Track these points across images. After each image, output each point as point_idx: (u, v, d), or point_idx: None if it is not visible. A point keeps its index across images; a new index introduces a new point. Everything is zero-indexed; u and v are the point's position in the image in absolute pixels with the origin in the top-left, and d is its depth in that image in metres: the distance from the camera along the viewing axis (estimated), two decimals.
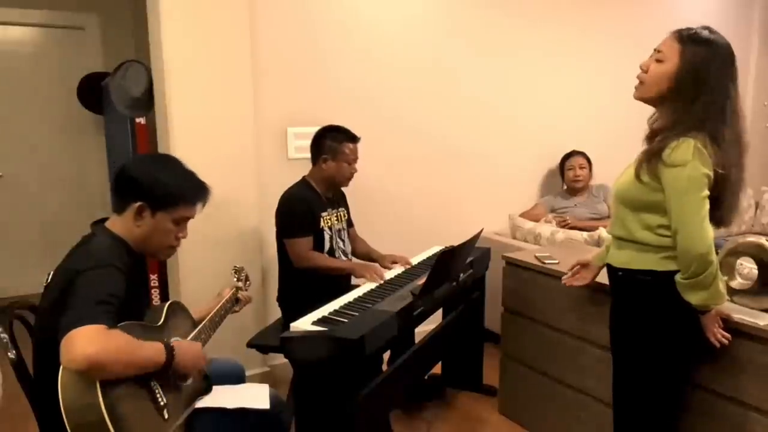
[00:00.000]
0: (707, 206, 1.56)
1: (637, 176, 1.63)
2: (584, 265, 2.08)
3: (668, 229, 1.62)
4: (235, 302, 2.00)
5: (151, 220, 1.57)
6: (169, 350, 1.44)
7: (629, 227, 1.70)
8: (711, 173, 1.55)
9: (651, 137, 1.67)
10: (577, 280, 2.09)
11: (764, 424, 1.73)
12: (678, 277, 1.61)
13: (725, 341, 1.67)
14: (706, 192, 1.56)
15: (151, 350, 1.40)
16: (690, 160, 1.53)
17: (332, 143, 2.54)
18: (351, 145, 2.56)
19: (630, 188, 1.67)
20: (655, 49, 1.66)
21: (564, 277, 2.14)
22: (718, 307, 1.65)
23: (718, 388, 1.83)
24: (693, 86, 1.57)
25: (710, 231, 1.57)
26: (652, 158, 1.60)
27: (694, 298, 1.60)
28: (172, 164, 1.67)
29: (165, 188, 1.57)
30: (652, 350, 1.71)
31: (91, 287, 1.37)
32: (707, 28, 1.63)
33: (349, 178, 2.62)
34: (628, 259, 1.72)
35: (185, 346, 1.53)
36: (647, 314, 1.71)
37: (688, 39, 1.60)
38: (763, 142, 4.77)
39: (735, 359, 1.76)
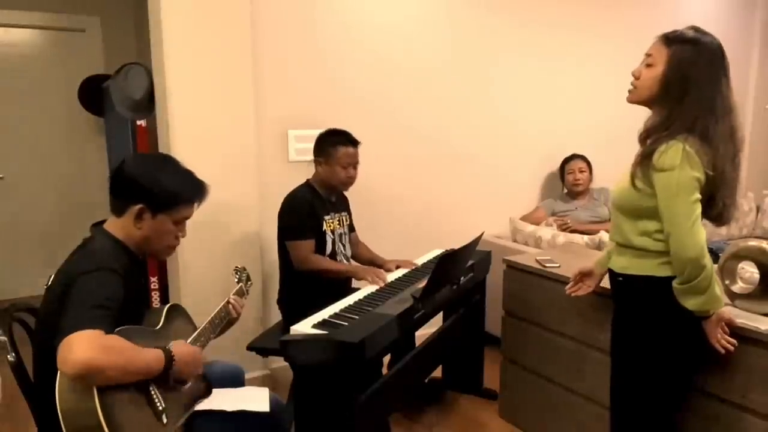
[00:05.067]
0: (698, 210, 1.57)
1: (633, 182, 1.64)
2: (586, 274, 2.07)
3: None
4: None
5: (152, 222, 1.55)
6: (168, 357, 1.42)
7: (626, 235, 1.71)
8: (702, 176, 1.55)
9: (644, 138, 1.68)
10: (581, 290, 2.08)
11: (766, 429, 1.72)
12: (674, 283, 1.61)
13: (730, 347, 1.65)
14: (697, 195, 1.56)
15: (150, 356, 1.39)
16: (678, 164, 1.54)
17: (327, 146, 2.52)
18: (346, 149, 2.50)
19: (626, 195, 1.68)
20: (645, 54, 1.69)
21: (567, 287, 2.12)
22: (720, 312, 1.64)
23: (719, 393, 1.82)
24: (681, 85, 1.60)
25: (702, 235, 1.57)
26: (643, 162, 1.61)
27: (690, 303, 1.60)
28: (171, 164, 1.65)
29: (165, 190, 1.55)
30: (652, 356, 1.70)
31: (89, 291, 1.37)
32: (693, 27, 1.65)
33: (346, 182, 2.57)
34: (627, 264, 1.73)
35: (184, 352, 1.50)
36: (648, 320, 1.70)
37: (674, 40, 1.63)
38: (764, 146, 4.76)
39: (737, 363, 1.75)
